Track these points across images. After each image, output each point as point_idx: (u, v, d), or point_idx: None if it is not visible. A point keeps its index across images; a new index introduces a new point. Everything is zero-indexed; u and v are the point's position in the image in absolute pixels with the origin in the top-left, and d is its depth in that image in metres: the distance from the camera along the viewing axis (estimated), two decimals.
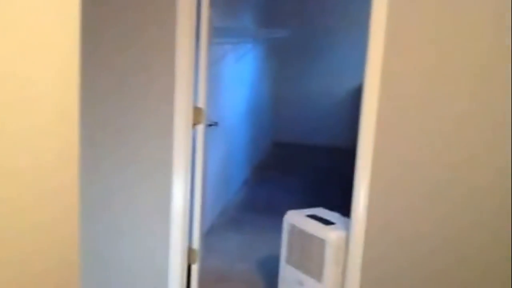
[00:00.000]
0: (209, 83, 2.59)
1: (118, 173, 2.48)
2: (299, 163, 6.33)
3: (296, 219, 2.54)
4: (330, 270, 2.33)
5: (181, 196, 2.42)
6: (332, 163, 6.31)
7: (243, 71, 4.98)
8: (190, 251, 2.52)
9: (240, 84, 4.90)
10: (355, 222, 2.27)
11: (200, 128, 2.44)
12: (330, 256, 2.33)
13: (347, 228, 2.33)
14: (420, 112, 2.19)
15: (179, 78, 2.35)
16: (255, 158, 5.94)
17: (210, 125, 3.16)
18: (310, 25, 6.71)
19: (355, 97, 7.07)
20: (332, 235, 2.34)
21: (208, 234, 3.79)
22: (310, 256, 2.43)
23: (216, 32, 3.31)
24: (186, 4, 2.29)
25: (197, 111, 2.42)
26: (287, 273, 2.60)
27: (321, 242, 2.36)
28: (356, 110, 7.10)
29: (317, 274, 2.39)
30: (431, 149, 2.21)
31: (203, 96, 2.44)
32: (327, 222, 2.46)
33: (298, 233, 2.50)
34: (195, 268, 2.55)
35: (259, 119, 6.02)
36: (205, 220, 3.49)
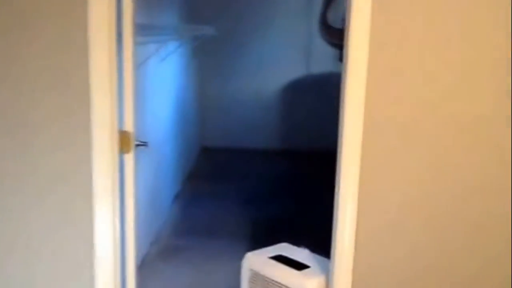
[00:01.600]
0: (136, 94, 2.01)
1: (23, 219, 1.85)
2: (232, 170, 5.81)
3: (259, 263, 2.03)
4: None
5: (108, 241, 1.83)
6: (266, 167, 5.87)
7: (169, 74, 4.37)
8: None
9: (166, 89, 4.29)
10: (339, 265, 1.80)
11: (129, 158, 1.86)
12: None
13: (326, 271, 1.85)
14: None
15: (96, 91, 1.75)
16: (185, 168, 5.35)
17: (138, 145, 2.55)
18: (238, 21, 6.19)
19: (285, 95, 6.77)
20: (310, 284, 1.85)
21: (140, 268, 3.18)
22: None
23: (139, 30, 2.70)
24: None
25: (123, 136, 1.83)
26: None
27: None
28: (286, 109, 6.54)
29: None
30: (431, 174, 1.79)
31: (130, 115, 1.85)
32: (299, 266, 1.97)
33: (263, 282, 1.99)
34: None
35: (187, 125, 5.43)
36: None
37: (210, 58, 6.30)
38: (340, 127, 1.87)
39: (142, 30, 2.89)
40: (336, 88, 6.35)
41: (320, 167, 5.96)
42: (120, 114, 1.77)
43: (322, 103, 6.25)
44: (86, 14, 1.72)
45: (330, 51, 6.06)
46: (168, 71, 4.29)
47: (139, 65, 2.80)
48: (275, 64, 6.25)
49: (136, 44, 2.27)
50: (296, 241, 3.90)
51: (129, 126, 1.80)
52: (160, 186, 4.02)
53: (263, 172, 5.71)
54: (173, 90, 4.66)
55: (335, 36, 5.97)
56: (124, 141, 1.78)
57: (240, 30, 6.20)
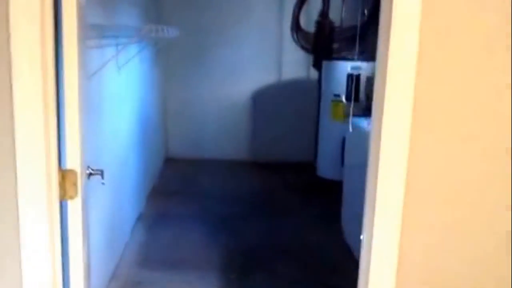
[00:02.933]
0: (87, 114, 1.55)
1: None
2: (200, 184, 5.35)
3: None
4: None
5: None
6: (236, 181, 5.44)
7: (130, 81, 3.89)
8: None
9: (127, 99, 3.80)
10: None
11: (74, 206, 1.39)
12: None
13: None
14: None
15: (23, 115, 1.28)
16: (148, 184, 4.86)
17: (91, 174, 2.07)
18: (205, 23, 5.74)
19: (255, 103, 6.34)
20: None
21: None
22: None
23: (92, 32, 2.23)
24: None
25: (67, 176, 1.36)
26: None
27: None
28: (256, 117, 6.05)
29: None
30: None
31: (76, 146, 1.38)
32: None
33: None
34: None
35: (151, 137, 4.94)
36: None
37: (174, 63, 5.82)
38: (374, 137, 1.46)
39: (97, 31, 2.42)
40: (308, 95, 5.98)
41: (294, 180, 5.60)
42: (62, 146, 1.30)
43: (295, 112, 5.87)
44: (6, 7, 1.25)
45: (303, 56, 5.70)
46: (129, 79, 3.80)
47: (92, 75, 2.32)
48: (245, 70, 5.83)
49: (89, 48, 1.81)
50: (273, 271, 3.53)
51: (74, 162, 1.33)
52: (120, 210, 3.53)
53: (234, 186, 5.28)
54: (134, 99, 4.17)
55: (308, 39, 5.61)
56: (67, 183, 1.32)
57: (208, 32, 5.75)
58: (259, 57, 5.79)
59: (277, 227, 4.24)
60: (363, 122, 3.66)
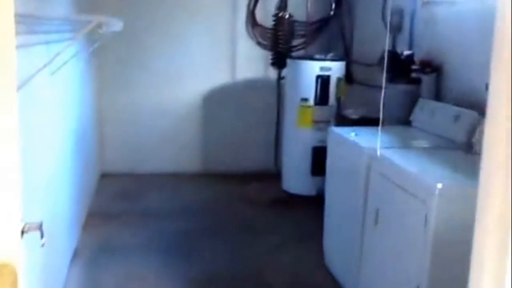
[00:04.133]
0: None
1: None
2: (145, 201, 4.58)
3: None
4: None
5: None
6: (185, 196, 4.71)
7: (65, 88, 3.07)
8: None
9: (58, 111, 2.99)
10: None
11: None
12: None
13: None
14: None
15: None
16: (83, 209, 4.03)
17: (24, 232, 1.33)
18: (148, 17, 4.93)
19: (206, 107, 5.58)
20: None
21: None
22: None
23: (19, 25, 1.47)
24: None
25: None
26: None
27: None
28: (206, 123, 5.15)
29: None
30: None
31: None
32: None
33: None
34: None
35: (83, 150, 4.09)
36: None
37: (110, 63, 4.97)
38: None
39: (25, 24, 1.65)
40: (267, 96, 5.33)
41: (254, 193, 4.88)
42: None
43: (251, 115, 5.23)
44: None
45: (259, 53, 5.07)
46: (64, 86, 2.99)
47: (20, 87, 1.56)
48: (194, 70, 5.09)
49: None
50: None
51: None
52: (51, 252, 2.72)
53: (185, 202, 4.56)
54: (68, 110, 3.35)
55: (265, 35, 5.00)
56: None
57: (151, 28, 4.95)
58: (210, 54, 5.08)
59: (243, 248, 3.62)
60: (345, 132, 3.10)
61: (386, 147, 2.57)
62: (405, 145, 2.74)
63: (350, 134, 2.98)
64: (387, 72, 2.65)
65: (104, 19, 2.16)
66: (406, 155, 2.51)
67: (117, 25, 3.13)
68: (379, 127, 2.51)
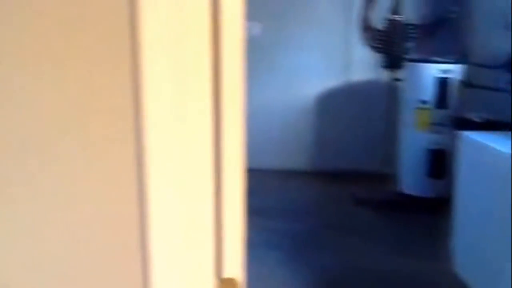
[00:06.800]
0: None
1: None
2: (255, 197, 4.78)
3: None
4: None
5: None
6: (295, 192, 4.88)
7: None
8: None
9: None
10: None
11: None
12: None
13: None
14: None
15: None
16: None
17: None
18: (270, 23, 5.16)
19: (319, 107, 5.69)
20: None
21: None
22: None
23: None
24: None
25: None
26: None
27: None
28: (320, 123, 5.23)
29: None
30: None
31: None
32: None
33: None
34: None
35: None
36: None
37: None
38: None
39: None
40: (379, 98, 5.43)
41: (366, 194, 4.91)
42: None
43: (359, 116, 5.35)
44: None
45: (371, 56, 5.17)
46: None
47: None
48: (308, 71, 5.27)
49: None
50: None
51: None
52: None
53: (304, 201, 4.72)
54: None
55: (377, 38, 5.08)
56: None
57: (271, 34, 5.16)
58: (324, 58, 5.24)
59: (359, 249, 3.72)
60: (480, 137, 3.11)
61: None
62: None
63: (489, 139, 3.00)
64: None
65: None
66: None
67: (254, 28, 3.34)
68: None
